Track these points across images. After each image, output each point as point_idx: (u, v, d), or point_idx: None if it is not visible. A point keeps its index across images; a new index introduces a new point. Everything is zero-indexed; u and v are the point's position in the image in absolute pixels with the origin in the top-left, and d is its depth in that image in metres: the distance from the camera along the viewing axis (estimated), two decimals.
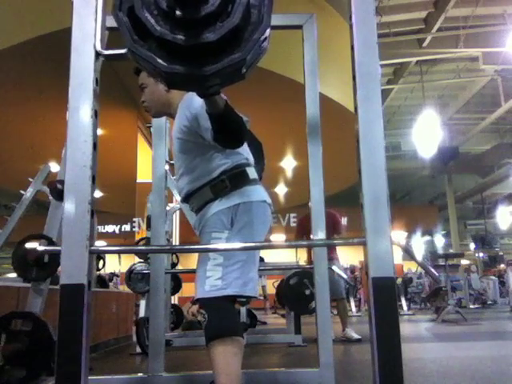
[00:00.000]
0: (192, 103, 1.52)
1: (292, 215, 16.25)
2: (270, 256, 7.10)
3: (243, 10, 0.80)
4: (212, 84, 0.88)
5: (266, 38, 0.84)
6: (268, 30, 0.84)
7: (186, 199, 1.69)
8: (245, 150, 1.64)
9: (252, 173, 1.63)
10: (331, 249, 4.66)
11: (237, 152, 1.59)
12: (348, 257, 10.11)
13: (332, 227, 4.59)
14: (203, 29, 0.79)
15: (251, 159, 1.67)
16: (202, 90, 1.01)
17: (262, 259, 5.14)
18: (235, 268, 1.48)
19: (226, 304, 1.47)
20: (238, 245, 1.49)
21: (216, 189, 1.56)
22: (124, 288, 6.11)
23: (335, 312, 6.07)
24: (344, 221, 9.58)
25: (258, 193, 1.60)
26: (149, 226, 3.96)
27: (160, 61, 0.80)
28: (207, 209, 1.58)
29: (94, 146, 1.02)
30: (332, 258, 4.64)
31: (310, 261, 4.56)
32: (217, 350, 1.40)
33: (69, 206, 0.98)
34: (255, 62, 0.85)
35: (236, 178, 1.57)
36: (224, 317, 1.46)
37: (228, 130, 1.35)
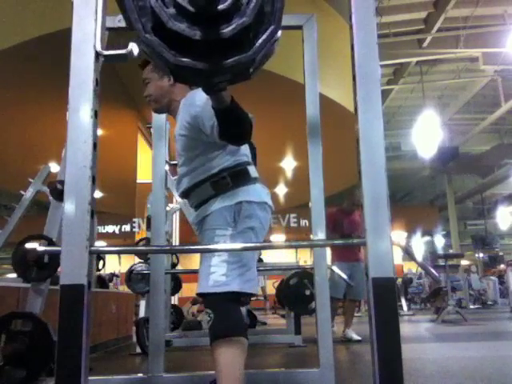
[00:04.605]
0: (195, 101, 1.52)
1: (292, 215, 16.26)
2: (270, 256, 7.09)
3: (257, 10, 0.81)
4: (218, 81, 0.88)
5: (276, 40, 0.85)
6: (279, 33, 0.85)
7: (185, 194, 1.69)
8: (245, 149, 1.65)
9: (253, 171, 1.63)
10: (358, 249, 4.58)
11: (238, 151, 1.60)
12: None
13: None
14: (218, 25, 0.79)
15: (250, 158, 1.67)
16: (209, 87, 1.01)
17: (260, 260, 5.13)
18: (239, 265, 1.48)
19: (232, 303, 1.47)
20: (238, 245, 1.49)
21: (217, 185, 1.57)
22: (124, 288, 6.11)
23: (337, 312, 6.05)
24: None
25: (259, 193, 1.61)
26: (149, 227, 3.95)
27: (170, 53, 0.81)
28: (209, 206, 1.58)
29: (94, 146, 1.02)
30: (359, 259, 4.61)
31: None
32: (221, 350, 1.40)
33: (69, 206, 0.98)
34: (263, 62, 0.86)
35: (238, 176, 1.58)
36: (230, 316, 1.45)
37: (234, 125, 1.35)
